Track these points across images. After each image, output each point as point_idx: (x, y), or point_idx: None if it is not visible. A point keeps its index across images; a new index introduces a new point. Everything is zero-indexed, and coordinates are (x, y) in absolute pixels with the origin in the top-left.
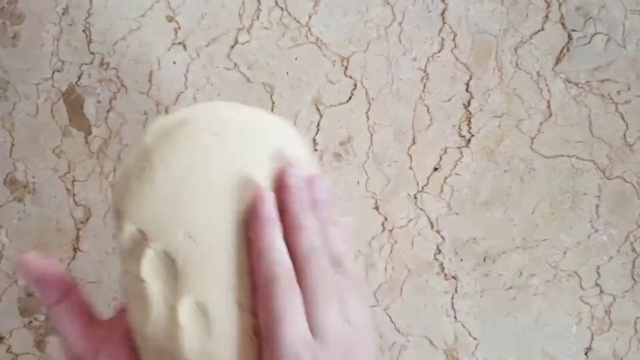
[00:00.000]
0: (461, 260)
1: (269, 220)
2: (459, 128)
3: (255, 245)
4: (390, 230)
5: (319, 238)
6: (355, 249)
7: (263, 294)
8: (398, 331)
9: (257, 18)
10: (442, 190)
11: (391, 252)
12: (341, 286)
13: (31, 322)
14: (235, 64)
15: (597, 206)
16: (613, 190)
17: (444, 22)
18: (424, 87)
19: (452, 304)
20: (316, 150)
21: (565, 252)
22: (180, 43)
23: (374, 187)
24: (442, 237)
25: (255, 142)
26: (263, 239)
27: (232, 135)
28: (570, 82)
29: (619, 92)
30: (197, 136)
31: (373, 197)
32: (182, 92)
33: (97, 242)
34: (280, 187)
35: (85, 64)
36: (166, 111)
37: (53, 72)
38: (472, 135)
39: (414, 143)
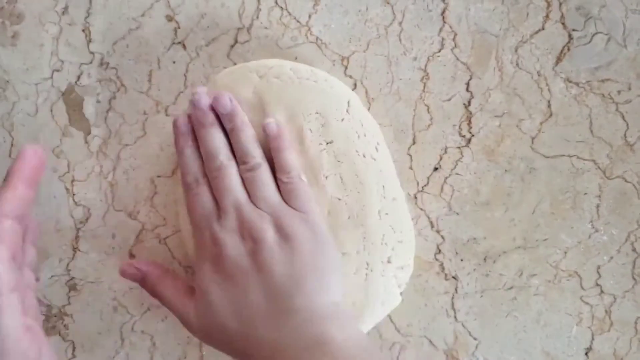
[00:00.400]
0: (461, 260)
1: (178, 135)
2: (459, 128)
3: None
4: None
5: (218, 145)
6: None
7: (183, 187)
8: (398, 331)
9: (257, 17)
10: (442, 190)
11: None
12: (249, 179)
13: None
14: (235, 64)
15: (598, 206)
16: (613, 190)
17: (444, 22)
18: (424, 86)
19: (452, 304)
20: None
21: (565, 252)
22: (179, 42)
23: None
24: (442, 237)
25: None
26: (176, 149)
27: (271, 77)
28: (570, 81)
29: (619, 92)
30: (246, 74)
31: None
32: (182, 92)
33: (96, 242)
34: (189, 111)
35: (85, 64)
36: (166, 111)
37: (52, 72)
38: (473, 135)
39: (414, 143)
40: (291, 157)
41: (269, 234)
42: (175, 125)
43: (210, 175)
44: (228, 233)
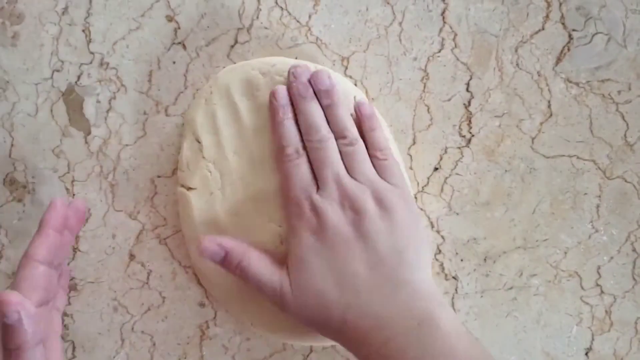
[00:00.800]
0: (461, 260)
1: (278, 106)
2: (460, 128)
3: (271, 126)
4: None
5: (320, 118)
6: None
7: (277, 161)
8: None
9: (257, 18)
10: (442, 190)
11: None
12: (348, 153)
13: None
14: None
15: (598, 206)
16: (614, 190)
17: (444, 22)
18: (424, 86)
19: (453, 304)
20: None
21: (565, 252)
22: (179, 43)
23: None
24: (443, 238)
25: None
26: (274, 119)
27: (274, 75)
28: (570, 81)
29: (619, 92)
30: (248, 72)
31: None
32: (182, 92)
33: (96, 242)
34: (289, 83)
35: (85, 64)
36: (166, 111)
37: (52, 72)
38: (473, 135)
39: (414, 143)
40: (383, 136)
41: (370, 205)
42: (274, 96)
43: (311, 147)
44: (329, 203)
